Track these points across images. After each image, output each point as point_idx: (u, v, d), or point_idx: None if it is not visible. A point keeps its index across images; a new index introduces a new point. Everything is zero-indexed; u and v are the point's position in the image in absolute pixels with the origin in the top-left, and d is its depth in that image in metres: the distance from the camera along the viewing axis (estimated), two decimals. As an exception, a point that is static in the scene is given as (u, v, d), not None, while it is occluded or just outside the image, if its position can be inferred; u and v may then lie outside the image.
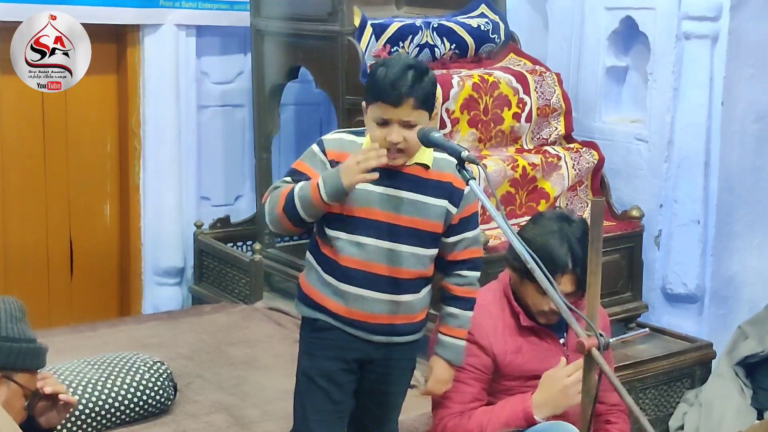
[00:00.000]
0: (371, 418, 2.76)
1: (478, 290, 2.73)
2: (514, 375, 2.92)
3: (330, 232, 2.58)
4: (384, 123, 2.51)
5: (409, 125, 2.51)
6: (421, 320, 2.69)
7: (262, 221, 2.82)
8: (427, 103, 2.54)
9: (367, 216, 2.55)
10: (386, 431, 2.81)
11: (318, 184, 2.47)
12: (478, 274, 2.71)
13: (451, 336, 2.69)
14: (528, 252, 2.29)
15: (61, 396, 2.25)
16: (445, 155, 2.57)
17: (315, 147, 2.61)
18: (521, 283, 2.90)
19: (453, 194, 2.61)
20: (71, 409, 2.38)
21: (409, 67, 2.51)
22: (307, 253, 2.70)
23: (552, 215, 3.01)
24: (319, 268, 2.63)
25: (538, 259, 2.29)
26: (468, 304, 2.70)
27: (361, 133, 2.64)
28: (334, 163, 2.55)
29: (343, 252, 2.57)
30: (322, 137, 2.64)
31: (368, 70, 4.00)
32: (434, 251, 2.64)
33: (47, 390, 2.22)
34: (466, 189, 2.60)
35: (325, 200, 2.46)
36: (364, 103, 2.59)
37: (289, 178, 2.59)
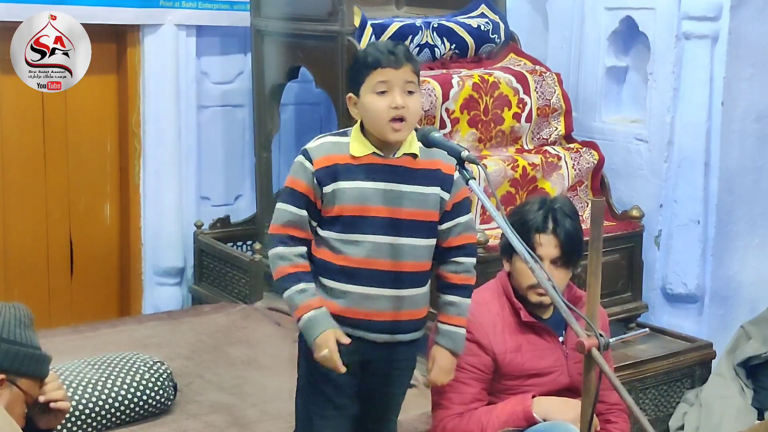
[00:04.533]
0: (371, 419, 2.76)
1: (474, 277, 2.71)
2: (514, 374, 2.92)
3: (324, 233, 2.58)
4: (384, 92, 2.51)
5: (409, 90, 2.53)
6: (423, 317, 2.69)
7: (263, 222, 2.80)
8: (419, 75, 2.60)
9: (364, 214, 2.55)
10: (386, 431, 2.81)
11: (301, 317, 2.55)
12: (473, 260, 2.70)
13: (450, 324, 2.68)
14: (519, 241, 2.30)
15: (51, 405, 2.25)
16: None
17: (301, 158, 2.57)
18: (514, 265, 2.91)
19: (444, 181, 2.61)
20: (66, 414, 2.39)
21: (398, 44, 2.62)
22: None
23: (535, 197, 3.14)
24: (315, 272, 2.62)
25: (528, 249, 2.31)
26: (466, 291, 2.69)
27: (344, 134, 2.62)
28: (321, 172, 2.53)
29: (340, 252, 2.56)
30: (306, 146, 2.60)
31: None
32: (433, 241, 2.64)
33: (40, 399, 2.23)
34: (455, 174, 2.61)
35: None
36: (350, 95, 2.59)
37: (289, 207, 2.56)
